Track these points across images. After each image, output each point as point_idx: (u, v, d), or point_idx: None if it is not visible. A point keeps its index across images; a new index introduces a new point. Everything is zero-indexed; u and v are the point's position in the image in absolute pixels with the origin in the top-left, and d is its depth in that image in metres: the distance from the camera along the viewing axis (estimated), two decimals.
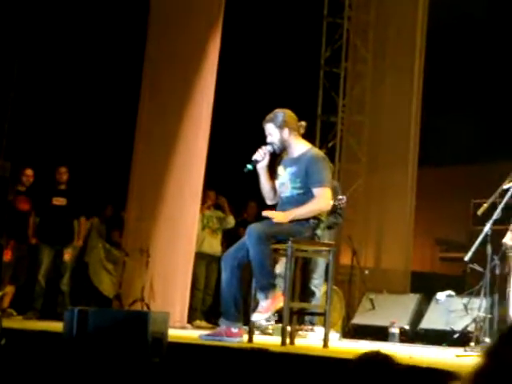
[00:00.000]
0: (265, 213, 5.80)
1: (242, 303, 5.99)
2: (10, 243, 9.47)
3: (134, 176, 9.71)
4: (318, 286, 8.21)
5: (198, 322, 9.95)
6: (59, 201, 9.63)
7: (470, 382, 0.95)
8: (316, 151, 6.09)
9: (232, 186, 10.33)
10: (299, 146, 5.98)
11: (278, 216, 5.77)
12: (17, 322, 7.71)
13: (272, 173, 6.03)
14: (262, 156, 5.93)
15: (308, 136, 6.20)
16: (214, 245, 10.48)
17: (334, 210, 7.80)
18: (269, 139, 5.95)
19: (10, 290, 9.44)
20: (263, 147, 5.95)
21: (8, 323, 5.05)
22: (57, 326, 5.62)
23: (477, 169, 12.96)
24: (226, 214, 10.53)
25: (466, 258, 6.86)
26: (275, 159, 6.05)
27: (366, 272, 10.38)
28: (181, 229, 9.31)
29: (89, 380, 4.41)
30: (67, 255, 9.65)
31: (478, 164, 12.81)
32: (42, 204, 9.62)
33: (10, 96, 8.83)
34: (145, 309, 8.96)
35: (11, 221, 9.17)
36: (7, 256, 9.43)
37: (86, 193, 10.01)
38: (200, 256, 10.11)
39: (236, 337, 5.78)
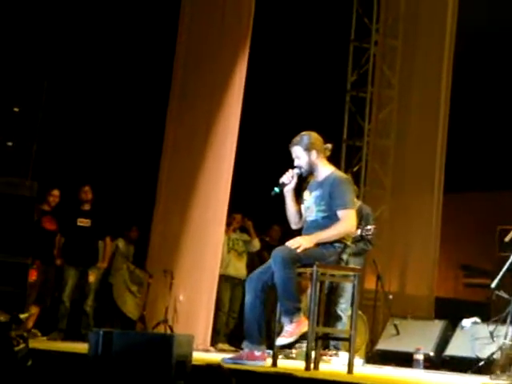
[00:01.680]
0: (288, 243, 5.79)
1: (266, 327, 5.97)
2: (36, 264, 9.50)
3: (160, 197, 9.74)
4: (345, 310, 8.18)
5: (221, 345, 9.91)
6: (84, 222, 9.67)
7: None
8: (339, 173, 6.09)
9: (256, 209, 10.34)
10: (325, 169, 5.98)
11: (301, 242, 5.74)
12: (42, 343, 7.72)
13: (298, 197, 6.03)
14: (289, 179, 5.93)
15: (333, 160, 6.20)
16: (239, 268, 10.47)
17: (363, 237, 7.81)
18: (296, 162, 5.95)
19: (35, 310, 9.46)
20: (291, 170, 5.95)
21: (33, 344, 5.06)
22: (81, 348, 5.63)
23: (503, 195, 12.89)
24: (252, 237, 10.54)
25: (493, 285, 6.81)
26: (301, 183, 6.04)
27: (391, 297, 10.31)
28: (205, 251, 9.31)
29: None
30: (92, 276, 9.67)
31: (504, 190, 12.75)
32: (68, 225, 9.67)
33: (38, 117, 8.91)
34: (168, 331, 8.95)
35: (37, 241, 9.22)
36: (32, 277, 9.45)
37: (111, 213, 10.05)
38: (225, 278, 10.11)
39: (259, 360, 5.76)
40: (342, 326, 8.00)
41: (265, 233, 11.03)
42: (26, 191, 8.64)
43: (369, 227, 7.94)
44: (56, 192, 9.86)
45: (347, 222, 5.81)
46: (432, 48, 11.40)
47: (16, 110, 8.97)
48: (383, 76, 11.98)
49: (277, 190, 5.94)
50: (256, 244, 10.56)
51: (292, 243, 5.74)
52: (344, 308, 8.17)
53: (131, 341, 4.89)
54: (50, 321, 9.60)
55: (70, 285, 9.54)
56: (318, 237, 5.77)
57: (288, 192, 5.97)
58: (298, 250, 5.69)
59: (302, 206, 6.00)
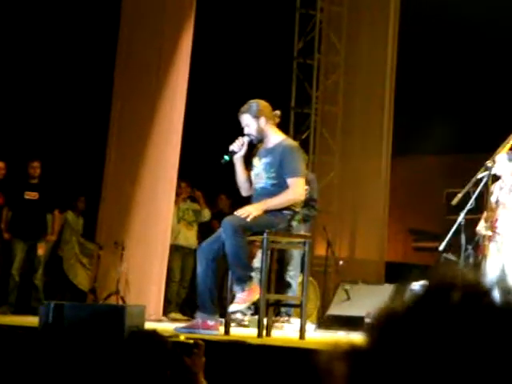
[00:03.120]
0: (237, 212, 5.79)
1: (218, 296, 5.99)
2: None
3: (108, 168, 9.67)
4: (294, 277, 8.23)
5: (173, 315, 9.93)
6: (31, 195, 9.55)
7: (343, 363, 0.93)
8: (290, 142, 6.11)
9: (205, 178, 10.33)
10: (274, 137, 5.98)
11: (250, 211, 5.75)
12: None
13: (248, 164, 6.03)
14: (239, 147, 5.93)
15: (282, 128, 6.21)
16: (189, 237, 10.47)
17: (306, 203, 7.81)
18: (246, 130, 5.94)
19: None
20: (240, 138, 5.94)
21: None
22: (32, 321, 5.60)
23: (450, 159, 13.04)
24: (202, 207, 10.53)
25: (441, 248, 6.90)
26: (251, 151, 6.05)
27: (341, 263, 10.40)
28: (155, 221, 9.29)
29: (65, 374, 4.39)
30: (41, 249, 9.59)
31: (451, 154, 12.89)
32: (15, 198, 9.54)
33: None
34: (120, 302, 8.93)
35: None
36: None
37: (59, 186, 9.94)
38: (175, 248, 10.10)
39: (212, 329, 5.78)
40: (293, 293, 8.05)
41: (213, 202, 11.03)
42: None
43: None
44: (1, 164, 9.71)
45: (296, 190, 5.84)
46: (377, 12, 11.44)
47: None
48: (329, 43, 11.98)
49: (227, 158, 5.93)
50: (206, 214, 10.55)
51: (241, 212, 5.75)
52: (293, 275, 8.21)
53: (82, 313, 4.88)
54: None
55: (18, 258, 9.45)
56: (266, 204, 5.79)
57: (238, 159, 5.97)
58: (248, 219, 5.70)
59: (252, 173, 6.00)
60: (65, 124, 11.53)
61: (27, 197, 9.53)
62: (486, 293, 0.88)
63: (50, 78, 11.46)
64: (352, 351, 0.90)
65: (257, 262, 6.59)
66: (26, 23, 11.19)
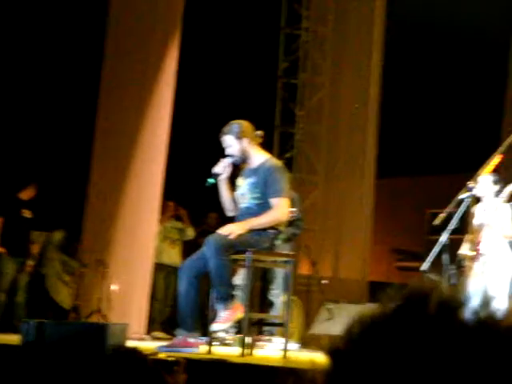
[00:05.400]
0: (219, 231, 5.80)
1: (200, 314, 5.98)
2: None
3: (92, 187, 9.66)
4: (277, 296, 8.22)
5: (156, 333, 9.89)
6: (26, 213, 9.52)
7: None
8: (274, 161, 6.12)
9: (192, 196, 10.32)
10: (258, 156, 6.00)
11: (233, 229, 5.76)
12: None
13: (232, 184, 6.04)
14: (222, 169, 5.94)
15: (266, 147, 6.23)
16: (172, 256, 10.46)
17: (293, 222, 7.83)
18: (228, 151, 5.95)
19: None
20: (223, 160, 5.95)
21: None
22: (13, 339, 5.56)
23: (431, 180, 13.11)
24: (186, 225, 10.52)
25: (423, 268, 6.92)
26: (235, 171, 6.06)
27: (324, 282, 10.42)
28: (139, 240, 9.28)
29: None
30: (29, 267, 9.58)
31: (433, 175, 12.96)
32: (12, 215, 9.47)
33: None
34: (102, 320, 8.90)
35: None
36: None
37: (47, 205, 9.93)
38: (159, 267, 10.08)
39: (193, 347, 5.77)
40: (276, 312, 8.04)
41: (201, 221, 11.02)
42: None
43: (292, 209, 7.97)
44: None
45: (279, 210, 5.85)
46: (362, 33, 11.52)
47: None
48: (314, 62, 12.05)
49: (211, 180, 5.94)
50: (190, 233, 10.55)
51: (224, 230, 5.76)
52: (276, 294, 8.20)
53: (64, 331, 4.86)
54: None
55: (9, 277, 9.37)
56: (250, 223, 5.80)
57: (222, 181, 5.98)
58: (230, 237, 5.71)
59: (236, 193, 6.02)
60: (50, 138, 11.48)
61: (23, 214, 9.50)
62: (461, 306, 0.91)
63: (34, 92, 11.43)
64: (332, 349, 0.93)
65: (238, 280, 6.58)
66: (9, 39, 11.16)
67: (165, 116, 9.33)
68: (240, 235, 5.75)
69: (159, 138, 9.35)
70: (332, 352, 0.94)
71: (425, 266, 6.88)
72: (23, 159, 10.98)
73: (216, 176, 5.94)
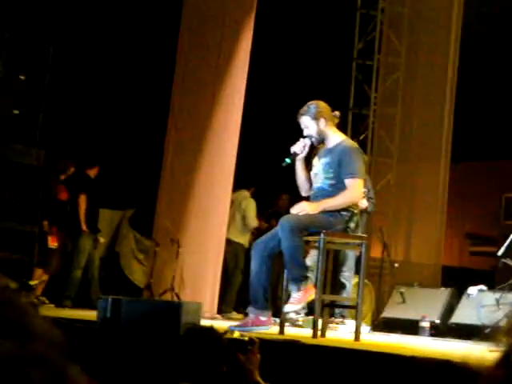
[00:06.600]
0: (292, 209, 5.80)
1: (272, 293, 5.99)
2: (54, 230, 9.57)
3: (165, 167, 9.75)
4: (348, 278, 8.19)
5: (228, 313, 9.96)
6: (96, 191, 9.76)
7: None
8: (350, 142, 6.08)
9: (264, 178, 10.34)
10: (334, 137, 5.97)
11: (306, 207, 5.76)
12: (51, 311, 7.76)
13: (308, 164, 6.03)
14: (301, 149, 5.92)
15: (340, 128, 6.19)
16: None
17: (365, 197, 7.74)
18: (306, 132, 5.93)
19: (45, 277, 9.47)
20: (302, 140, 5.94)
21: (43, 311, 5.11)
22: (91, 315, 5.67)
23: (507, 164, 12.88)
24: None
25: (499, 253, 6.83)
26: (312, 151, 6.04)
27: (396, 265, 10.33)
28: (212, 220, 9.34)
29: (122, 369, 4.44)
30: (102, 238, 9.81)
31: (509, 159, 12.73)
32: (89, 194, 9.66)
33: (44, 84, 8.88)
34: (175, 299, 9.01)
35: (53, 210, 9.31)
36: (53, 243, 9.52)
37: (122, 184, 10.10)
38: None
39: (265, 325, 5.79)
40: (347, 294, 8.02)
41: (273, 202, 11.02)
42: (33, 160, 8.67)
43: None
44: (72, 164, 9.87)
45: (353, 191, 5.81)
46: (439, 14, 11.32)
47: (22, 77, 8.94)
48: (390, 44, 11.90)
49: (288, 160, 5.93)
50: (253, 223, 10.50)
51: (296, 209, 5.75)
52: (348, 276, 8.17)
53: (140, 308, 4.93)
54: (57, 288, 9.61)
55: (86, 252, 9.56)
56: (323, 204, 5.77)
57: (299, 161, 5.97)
58: (301, 213, 5.70)
59: (311, 173, 6.00)
60: (123, 124, 11.62)
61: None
62: None
63: (111, 70, 11.56)
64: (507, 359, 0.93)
65: (309, 261, 6.57)
66: (87, 42, 11.31)
67: (240, 95, 9.35)
68: (314, 216, 5.73)
69: (233, 119, 9.38)
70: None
71: (501, 251, 6.78)
72: (98, 137, 11.13)
73: (294, 155, 5.93)
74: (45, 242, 9.43)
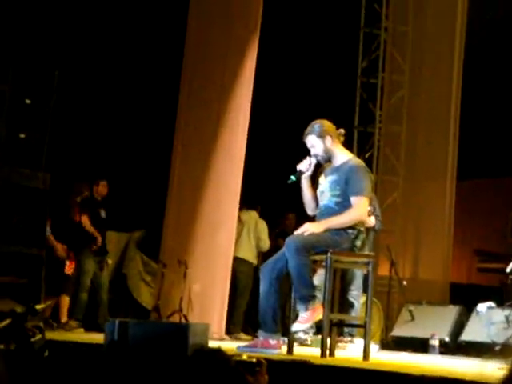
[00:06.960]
0: (297, 231, 5.80)
1: (281, 314, 5.98)
2: (71, 255, 9.57)
3: (173, 188, 9.75)
4: (356, 297, 8.17)
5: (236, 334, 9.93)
6: (102, 212, 9.74)
7: None
8: (357, 161, 6.08)
9: (270, 197, 10.34)
10: (341, 155, 5.97)
11: (310, 227, 5.75)
12: (59, 334, 7.74)
13: (314, 183, 6.03)
14: (306, 167, 5.93)
15: (345, 147, 6.19)
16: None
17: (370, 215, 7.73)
18: (312, 151, 5.94)
19: (51, 301, 9.43)
20: (308, 158, 5.95)
21: (50, 335, 5.08)
22: (98, 338, 5.65)
23: None
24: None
25: (508, 269, 6.80)
26: (317, 170, 6.04)
27: (405, 283, 10.30)
28: (219, 241, 9.32)
29: None
30: (110, 259, 9.79)
31: None
32: (94, 216, 9.68)
33: (50, 108, 8.90)
34: (183, 320, 8.98)
35: (70, 233, 9.33)
36: (69, 270, 9.51)
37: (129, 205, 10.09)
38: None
39: (274, 348, 5.77)
40: (356, 313, 7.99)
41: (280, 221, 11.01)
42: (40, 184, 8.67)
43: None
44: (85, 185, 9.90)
45: (358, 210, 5.80)
46: (443, 32, 11.35)
47: (28, 101, 8.96)
48: (394, 62, 11.93)
49: (293, 177, 5.94)
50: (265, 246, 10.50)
51: (301, 229, 5.75)
52: (356, 295, 8.14)
53: (147, 330, 4.91)
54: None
55: (91, 273, 9.55)
56: (328, 223, 5.77)
57: (305, 179, 5.97)
58: (305, 234, 5.69)
59: (317, 191, 6.00)
60: (129, 143, 11.65)
61: (101, 214, 9.71)
62: None
63: (116, 91, 11.59)
64: None
65: (316, 280, 6.55)
66: (93, 64, 11.36)
67: (245, 115, 9.35)
68: (319, 235, 5.72)
69: (238, 139, 9.38)
70: None
71: (510, 267, 6.76)
72: (104, 159, 11.15)
73: (299, 173, 5.94)
74: (62, 268, 9.46)
